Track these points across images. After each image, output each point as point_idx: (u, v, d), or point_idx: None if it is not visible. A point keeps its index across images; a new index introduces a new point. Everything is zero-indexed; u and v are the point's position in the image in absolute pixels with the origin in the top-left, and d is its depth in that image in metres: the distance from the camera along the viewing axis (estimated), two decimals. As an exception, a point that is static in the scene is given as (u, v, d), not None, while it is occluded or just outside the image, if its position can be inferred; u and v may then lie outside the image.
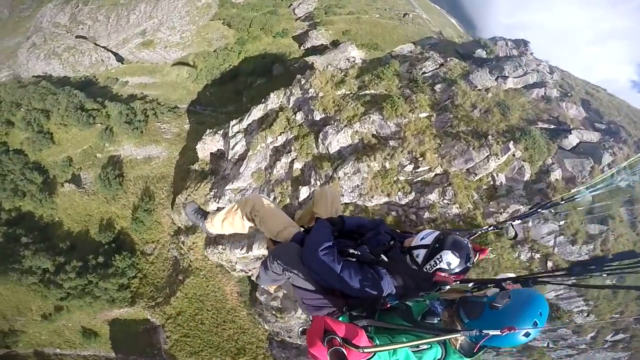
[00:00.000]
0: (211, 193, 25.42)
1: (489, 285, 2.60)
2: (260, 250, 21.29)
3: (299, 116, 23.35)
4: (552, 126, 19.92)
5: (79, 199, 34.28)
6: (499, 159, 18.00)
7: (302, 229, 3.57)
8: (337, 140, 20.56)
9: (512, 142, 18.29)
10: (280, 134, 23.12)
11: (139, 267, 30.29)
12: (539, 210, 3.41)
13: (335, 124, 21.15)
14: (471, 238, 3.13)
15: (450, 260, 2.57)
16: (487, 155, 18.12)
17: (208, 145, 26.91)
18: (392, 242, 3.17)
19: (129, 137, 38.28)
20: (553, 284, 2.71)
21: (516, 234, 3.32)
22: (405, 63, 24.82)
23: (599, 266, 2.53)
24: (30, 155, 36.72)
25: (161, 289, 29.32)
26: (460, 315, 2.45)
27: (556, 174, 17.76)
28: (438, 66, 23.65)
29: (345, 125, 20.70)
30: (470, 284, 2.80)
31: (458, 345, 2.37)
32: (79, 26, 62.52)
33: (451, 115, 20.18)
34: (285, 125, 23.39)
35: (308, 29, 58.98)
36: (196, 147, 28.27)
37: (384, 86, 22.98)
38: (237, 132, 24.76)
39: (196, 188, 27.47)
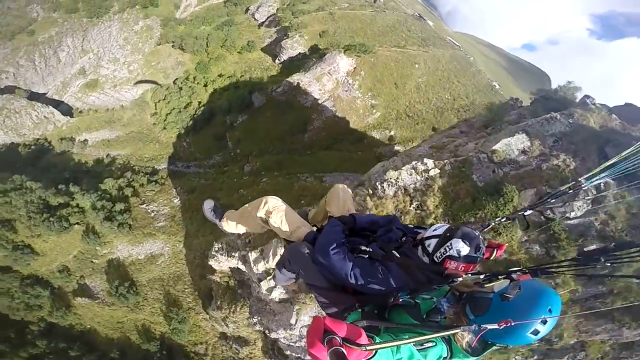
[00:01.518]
0: (254, 320, 18.08)
1: (499, 277, 2.46)
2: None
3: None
4: None
5: (99, 309, 31.05)
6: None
7: (315, 229, 3.59)
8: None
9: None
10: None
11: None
12: (548, 199, 3.28)
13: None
14: (484, 230, 3.01)
15: (460, 248, 2.53)
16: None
17: (224, 263, 19.06)
18: (404, 238, 3.08)
19: (119, 236, 32.20)
20: (561, 273, 2.61)
21: (528, 225, 3.67)
22: (528, 192, 13.00)
23: (604, 255, 2.45)
24: (21, 270, 32.12)
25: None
26: (466, 311, 2.40)
27: None
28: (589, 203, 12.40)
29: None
30: (482, 276, 2.62)
31: (464, 344, 2.30)
32: (2, 75, 50.41)
33: (604, 289, 12.40)
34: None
35: (277, 36, 50.15)
36: (209, 262, 20.87)
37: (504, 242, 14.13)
38: (263, 270, 16.57)
39: (231, 310, 21.49)
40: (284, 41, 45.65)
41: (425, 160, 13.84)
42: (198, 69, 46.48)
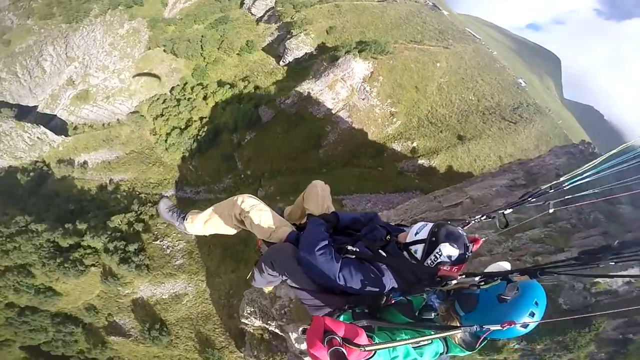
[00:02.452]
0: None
1: (496, 278, 2.28)
2: None
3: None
4: None
5: (134, 346, 30.77)
6: None
7: (295, 228, 3.34)
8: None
9: None
10: None
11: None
12: (528, 199, 3.08)
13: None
14: (464, 228, 2.85)
15: (449, 252, 2.46)
16: None
17: (257, 323, 16.47)
18: (388, 237, 2.97)
19: (139, 277, 32.00)
20: (562, 274, 2.38)
21: (507, 223, 3.08)
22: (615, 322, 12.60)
23: (606, 254, 2.21)
24: (48, 308, 31.82)
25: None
26: (455, 308, 2.33)
27: None
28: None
29: None
30: (477, 278, 2.43)
31: (458, 340, 2.27)
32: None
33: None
34: None
35: (279, 33, 45.02)
36: (241, 320, 18.42)
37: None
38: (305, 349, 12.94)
39: (268, 360, 18.12)
40: (287, 41, 40.65)
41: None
42: (195, 75, 41.66)
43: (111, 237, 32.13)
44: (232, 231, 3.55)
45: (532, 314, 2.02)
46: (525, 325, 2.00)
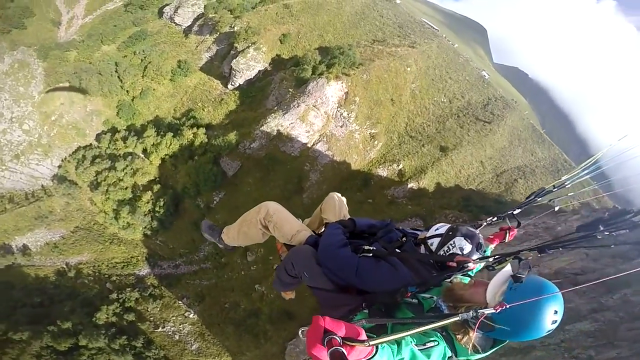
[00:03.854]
0: None
1: (507, 259, 2.25)
2: None
3: None
4: None
5: None
6: None
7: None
8: None
9: None
10: None
11: None
12: (535, 198, 3.18)
13: None
14: (477, 228, 2.92)
15: (463, 245, 2.58)
16: None
17: None
18: (404, 238, 3.06)
19: None
20: (568, 247, 2.41)
21: (519, 223, 3.22)
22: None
23: (603, 224, 2.31)
24: None
25: None
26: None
27: None
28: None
29: None
30: (491, 259, 2.46)
31: (466, 341, 2.16)
32: None
33: None
34: None
35: (219, 48, 37.00)
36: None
37: None
38: None
39: None
40: (234, 61, 33.05)
41: None
42: (122, 115, 32.51)
43: (108, 334, 27.32)
44: (260, 238, 3.63)
45: (556, 311, 1.93)
46: (554, 321, 1.92)
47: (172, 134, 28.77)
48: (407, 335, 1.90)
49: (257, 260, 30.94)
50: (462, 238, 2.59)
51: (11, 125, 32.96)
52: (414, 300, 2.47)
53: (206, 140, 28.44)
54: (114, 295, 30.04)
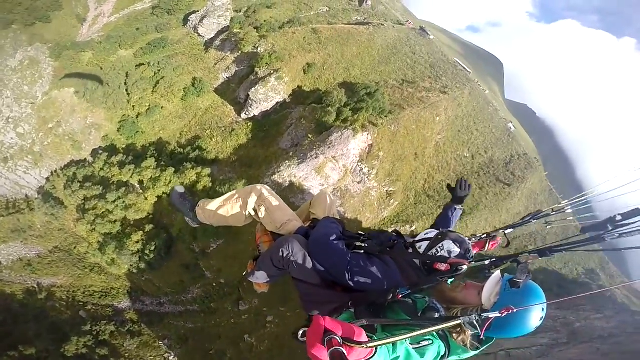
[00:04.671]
0: None
1: (505, 262, 2.20)
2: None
3: None
4: None
5: None
6: None
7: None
8: None
9: None
10: None
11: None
12: (531, 220, 2.98)
13: None
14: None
15: (451, 248, 2.40)
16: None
17: None
18: (395, 241, 2.83)
19: None
20: (571, 250, 2.20)
21: (508, 242, 2.99)
22: None
23: (611, 225, 2.07)
24: None
25: None
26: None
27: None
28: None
29: None
30: (487, 262, 2.32)
31: (462, 339, 2.07)
32: None
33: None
34: None
35: (239, 69, 31.44)
36: None
37: None
38: None
39: None
40: (253, 89, 27.49)
41: None
42: (123, 132, 27.25)
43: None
44: (241, 221, 3.15)
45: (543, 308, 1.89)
46: (540, 318, 1.90)
47: (173, 169, 23.33)
48: (407, 338, 1.76)
49: (249, 310, 26.38)
50: (451, 242, 2.39)
51: (6, 125, 27.81)
52: (407, 300, 2.27)
53: (210, 185, 23.00)
54: (88, 327, 25.46)
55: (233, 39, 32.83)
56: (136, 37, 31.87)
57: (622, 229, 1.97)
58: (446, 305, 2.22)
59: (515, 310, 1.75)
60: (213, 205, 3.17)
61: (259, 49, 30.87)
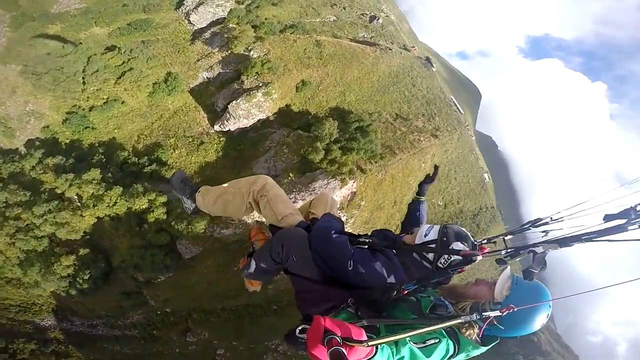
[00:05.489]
0: None
1: (521, 252, 1.94)
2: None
3: None
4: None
5: None
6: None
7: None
8: None
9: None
10: None
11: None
12: (530, 227, 2.56)
13: None
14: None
15: (458, 248, 2.18)
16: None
17: None
18: (395, 239, 2.63)
19: None
20: (592, 241, 1.87)
21: (506, 247, 2.45)
22: None
23: (634, 214, 1.72)
24: None
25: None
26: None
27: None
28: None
29: None
30: (504, 252, 2.05)
31: (473, 335, 1.88)
32: None
33: None
34: None
35: (223, 71, 25.50)
36: None
37: None
38: None
39: None
40: (234, 102, 21.87)
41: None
42: (69, 126, 20.77)
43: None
44: (241, 212, 2.77)
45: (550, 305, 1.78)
46: (548, 316, 1.76)
47: (121, 188, 17.50)
48: (410, 336, 1.67)
49: (198, 342, 21.85)
50: (459, 242, 2.15)
51: None
52: (411, 298, 2.10)
53: (164, 217, 17.48)
54: (2, 344, 19.83)
55: (225, 35, 26.53)
56: (118, 14, 24.69)
57: None
58: (455, 300, 2.02)
59: (515, 309, 1.65)
60: (213, 192, 2.78)
61: (252, 52, 25.02)
